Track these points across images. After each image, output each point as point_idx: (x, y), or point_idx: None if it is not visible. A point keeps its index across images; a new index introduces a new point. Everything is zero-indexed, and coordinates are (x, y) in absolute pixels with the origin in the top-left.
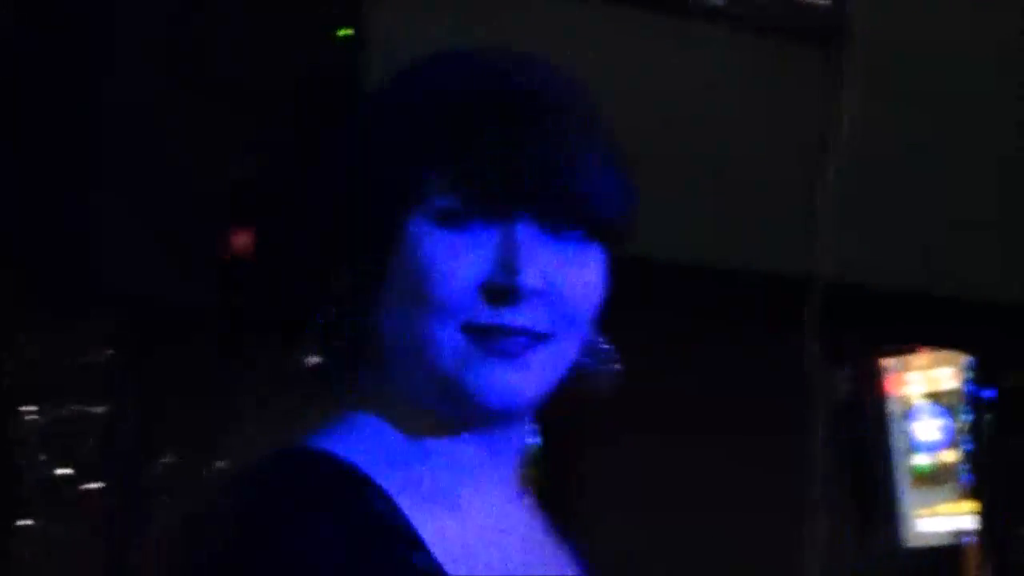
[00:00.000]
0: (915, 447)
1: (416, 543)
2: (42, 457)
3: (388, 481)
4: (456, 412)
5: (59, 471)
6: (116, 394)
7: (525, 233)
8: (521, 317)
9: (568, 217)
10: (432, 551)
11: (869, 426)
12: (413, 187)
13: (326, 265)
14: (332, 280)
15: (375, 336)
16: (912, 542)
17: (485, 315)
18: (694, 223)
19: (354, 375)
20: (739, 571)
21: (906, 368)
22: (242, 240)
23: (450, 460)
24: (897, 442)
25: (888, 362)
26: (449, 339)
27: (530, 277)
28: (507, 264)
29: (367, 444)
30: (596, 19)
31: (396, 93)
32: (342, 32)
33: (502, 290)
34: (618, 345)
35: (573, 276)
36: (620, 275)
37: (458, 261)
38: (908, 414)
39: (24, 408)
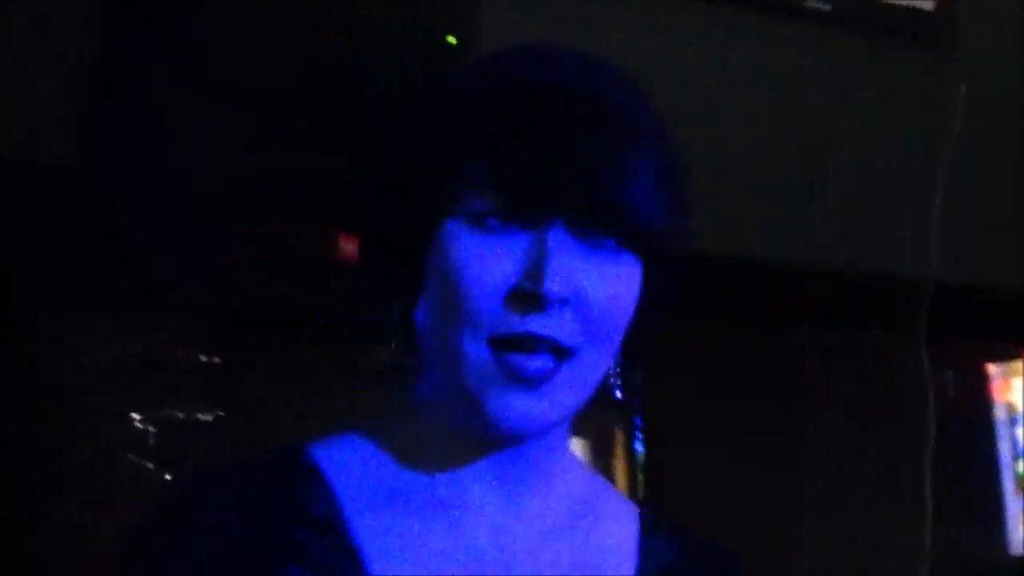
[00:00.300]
0: (1021, 454)
1: (349, 550)
2: (149, 464)
3: (353, 490)
4: (470, 430)
5: (167, 476)
6: (222, 398)
7: (556, 240)
8: (547, 327)
9: (601, 226)
10: (368, 559)
11: (974, 433)
12: (451, 184)
13: (375, 263)
14: (380, 279)
15: (416, 339)
16: (1018, 549)
17: (511, 324)
18: (803, 226)
19: (404, 378)
20: None
21: (1012, 374)
22: (342, 240)
23: (447, 476)
24: (1003, 449)
25: (994, 368)
26: (476, 353)
27: (556, 284)
28: (535, 271)
29: (354, 453)
30: (699, 22)
31: (449, 88)
32: (449, 39)
33: (528, 297)
34: (729, 345)
35: (602, 287)
36: (730, 276)
37: (488, 266)
38: (1014, 420)
39: (130, 414)
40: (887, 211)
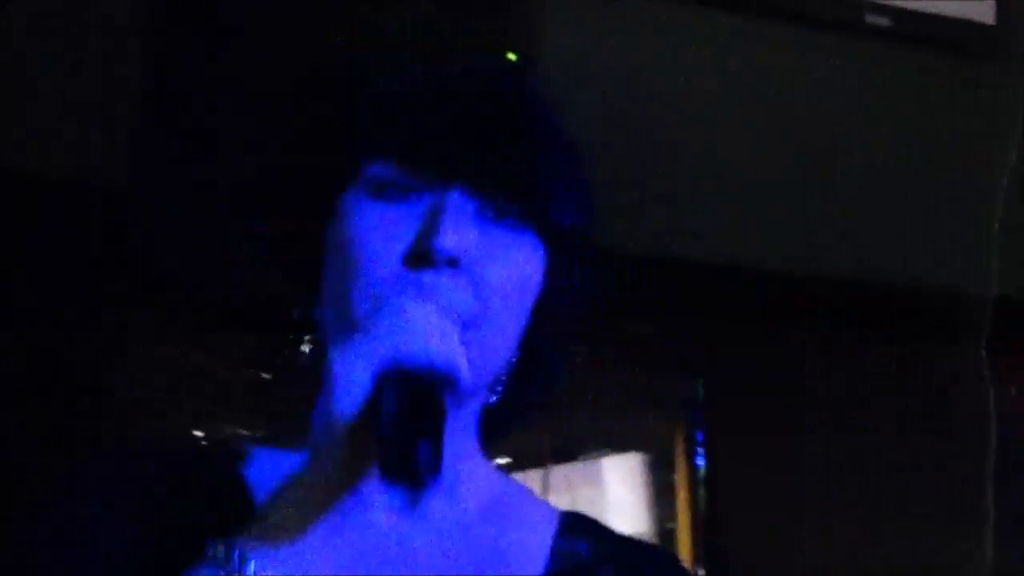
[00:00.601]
0: None
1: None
2: None
3: (262, 492)
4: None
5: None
6: (276, 415)
7: (453, 202)
8: (437, 286)
9: (499, 194)
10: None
11: None
12: (349, 157)
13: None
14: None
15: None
16: None
17: (404, 289)
18: (865, 240)
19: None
20: None
21: None
22: None
23: (344, 476)
24: None
25: None
26: (368, 301)
27: (448, 242)
28: (427, 230)
29: (275, 458)
30: (759, 37)
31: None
32: (511, 56)
33: (419, 257)
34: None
35: (498, 258)
36: (793, 288)
37: (383, 232)
38: None
39: (193, 432)
40: (948, 224)
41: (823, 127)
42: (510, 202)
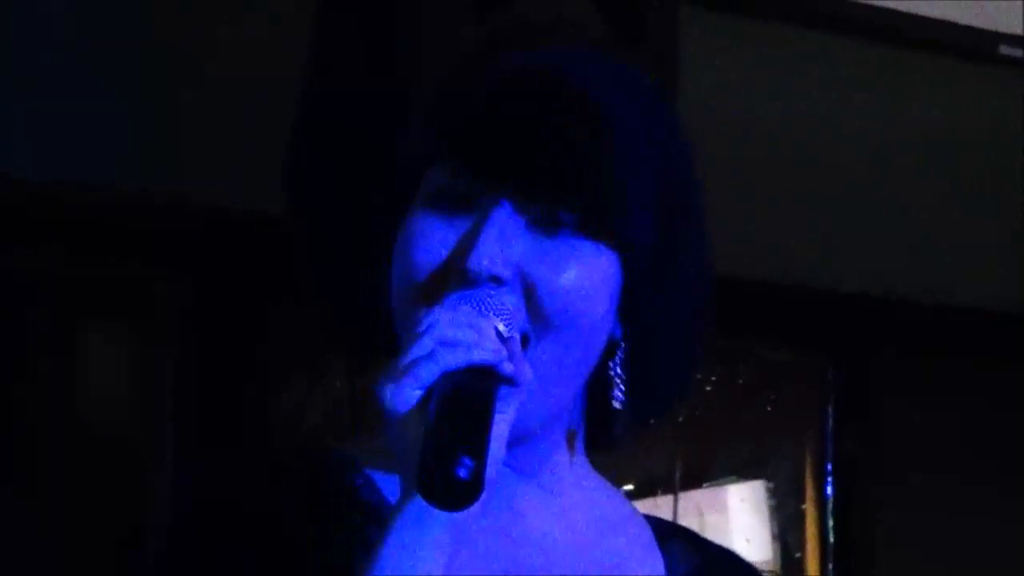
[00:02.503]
0: None
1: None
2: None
3: (389, 481)
4: None
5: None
6: None
7: (501, 216)
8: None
9: (553, 203)
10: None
11: None
12: (419, 173)
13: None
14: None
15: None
16: None
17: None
18: (1000, 269)
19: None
20: None
21: None
22: None
23: None
24: None
25: None
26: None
27: (486, 259)
28: (465, 246)
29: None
30: (894, 66)
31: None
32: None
33: (456, 273)
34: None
35: (553, 272)
36: (936, 318)
37: (432, 238)
38: None
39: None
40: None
41: (955, 157)
42: (568, 212)
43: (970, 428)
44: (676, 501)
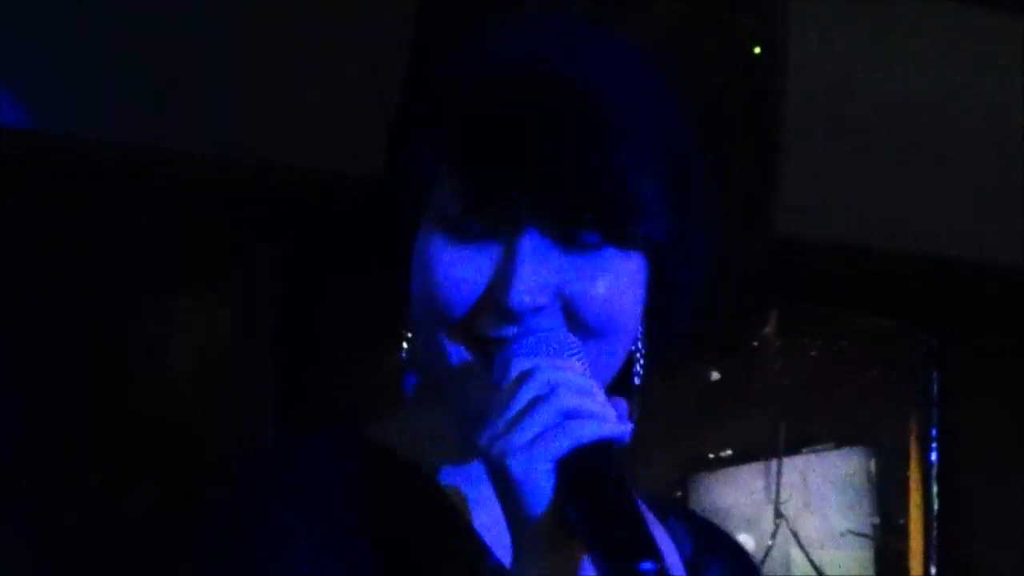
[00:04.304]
0: None
1: (463, 529)
2: None
3: (435, 470)
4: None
5: None
6: None
7: (527, 244)
8: (529, 329)
9: (578, 225)
10: (480, 535)
11: None
12: (431, 192)
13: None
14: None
15: (406, 339)
16: None
17: (491, 329)
18: None
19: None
20: None
21: None
22: None
23: (473, 456)
24: None
25: None
26: (456, 350)
27: (523, 294)
28: (502, 282)
29: (418, 434)
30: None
31: (431, 79)
32: (755, 48)
33: (498, 308)
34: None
35: (586, 286)
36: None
37: (461, 270)
38: None
39: None
40: None
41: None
42: (589, 227)
43: None
44: (780, 467)
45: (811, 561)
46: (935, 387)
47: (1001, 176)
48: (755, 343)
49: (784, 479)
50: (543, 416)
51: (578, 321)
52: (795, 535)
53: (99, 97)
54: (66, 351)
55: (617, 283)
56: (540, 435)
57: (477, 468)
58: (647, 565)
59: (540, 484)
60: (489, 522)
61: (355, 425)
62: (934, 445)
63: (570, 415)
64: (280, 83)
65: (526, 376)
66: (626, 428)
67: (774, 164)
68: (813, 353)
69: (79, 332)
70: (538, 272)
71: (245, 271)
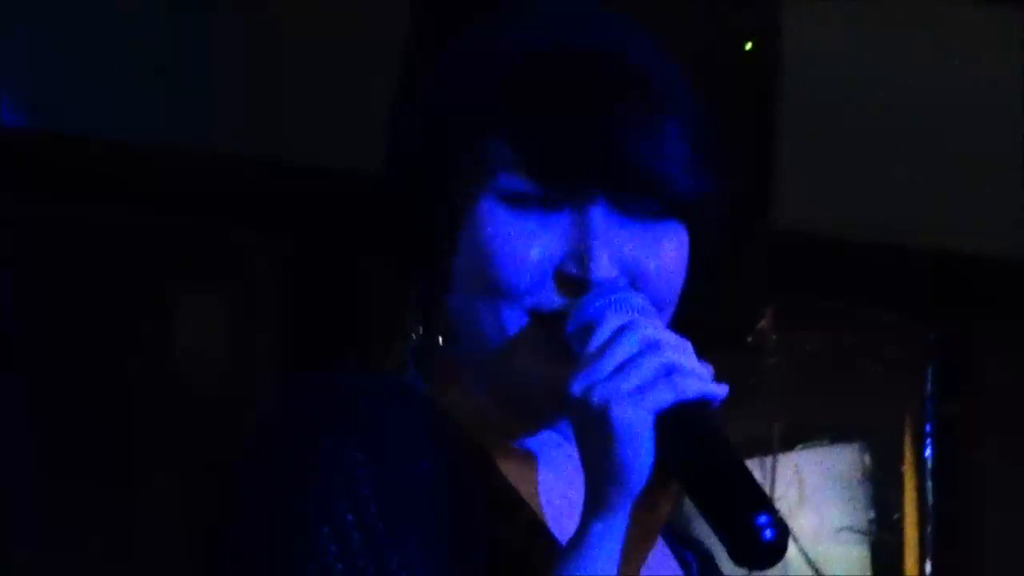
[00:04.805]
0: None
1: (516, 502)
2: None
3: (485, 442)
4: (521, 393)
5: None
6: None
7: (598, 217)
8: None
9: (644, 197)
10: (534, 509)
11: None
12: (480, 165)
13: (406, 232)
14: (412, 250)
15: (447, 311)
16: None
17: (555, 302)
18: None
19: (436, 345)
20: None
21: None
22: None
23: (532, 429)
24: None
25: None
26: (515, 322)
27: (603, 267)
28: (580, 255)
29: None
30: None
31: (465, 55)
32: (750, 43)
33: (575, 281)
34: None
35: (651, 258)
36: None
37: (527, 244)
38: None
39: None
40: None
41: None
42: (653, 198)
43: None
44: (775, 463)
45: (807, 557)
46: (930, 382)
47: (998, 168)
48: (750, 338)
49: (779, 475)
50: (648, 368)
51: (640, 290)
52: (791, 531)
53: (101, 96)
54: (78, 350)
55: (677, 254)
56: (644, 386)
57: (524, 443)
58: (763, 518)
59: (643, 434)
60: (542, 497)
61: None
62: (929, 440)
63: (673, 370)
64: (280, 77)
65: (625, 329)
66: (724, 388)
67: (769, 157)
68: (808, 348)
69: (87, 331)
70: (611, 243)
71: (255, 266)
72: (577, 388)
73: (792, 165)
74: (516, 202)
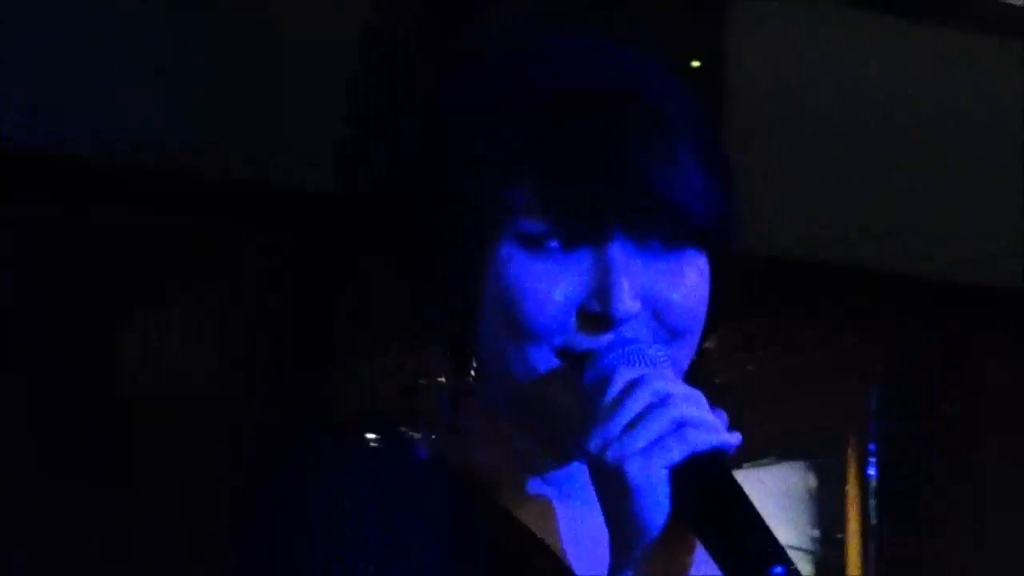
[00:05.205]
0: None
1: (539, 547)
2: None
3: (503, 485)
4: (553, 430)
5: None
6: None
7: (619, 253)
8: (621, 342)
9: (663, 230)
10: (556, 553)
11: None
12: (499, 209)
13: (422, 276)
14: (430, 294)
15: (473, 354)
16: None
17: (582, 341)
18: None
19: (461, 386)
20: None
21: None
22: None
23: (561, 466)
24: None
25: None
26: (544, 363)
27: (626, 302)
28: (601, 292)
29: (479, 449)
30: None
31: (476, 91)
32: (695, 63)
33: (598, 318)
34: None
35: (672, 289)
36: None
37: (550, 286)
38: None
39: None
40: None
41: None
42: (670, 230)
43: (1011, 413)
44: None
45: None
46: (873, 402)
47: (938, 189)
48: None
49: None
50: (659, 423)
51: (665, 324)
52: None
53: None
54: (70, 350)
55: (699, 281)
56: (656, 441)
57: (548, 482)
58: (779, 569)
59: (658, 489)
60: (565, 539)
61: (391, 429)
62: (872, 460)
63: (684, 423)
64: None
65: (636, 384)
66: (735, 438)
67: None
68: (750, 368)
69: (77, 331)
70: (632, 277)
71: (249, 267)
72: (593, 445)
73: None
74: (536, 243)
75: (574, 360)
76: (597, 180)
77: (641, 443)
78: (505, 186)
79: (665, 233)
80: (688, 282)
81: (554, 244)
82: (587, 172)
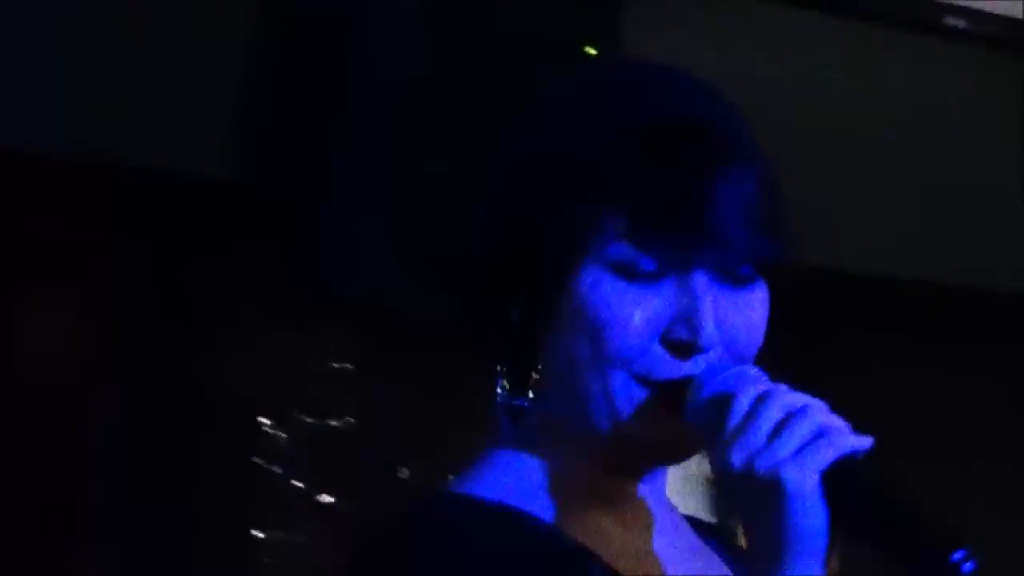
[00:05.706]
0: None
1: (588, 554)
2: (278, 469)
3: (543, 509)
4: (624, 455)
5: (296, 482)
6: (358, 406)
7: (701, 283)
8: (700, 369)
9: (742, 263)
10: (605, 558)
11: None
12: (591, 235)
13: (500, 295)
14: (505, 311)
15: (542, 373)
16: None
17: (665, 369)
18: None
19: (521, 407)
20: None
21: None
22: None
23: (606, 488)
24: None
25: None
26: (624, 389)
27: (711, 332)
28: (688, 320)
29: (514, 478)
30: (837, 36)
31: (566, 122)
32: (588, 49)
33: (685, 345)
34: None
35: (742, 319)
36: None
37: (635, 312)
38: None
39: (263, 419)
40: None
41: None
42: (749, 264)
43: (963, 411)
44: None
45: None
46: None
47: (899, 187)
48: None
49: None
50: (802, 431)
51: (732, 352)
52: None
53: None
54: None
55: (763, 312)
56: (804, 447)
57: (616, 504)
58: (960, 554)
59: (814, 494)
60: (638, 562)
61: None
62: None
63: (824, 430)
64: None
65: (767, 396)
66: (869, 440)
67: None
68: None
69: None
70: (715, 310)
71: (99, 269)
72: (737, 459)
73: None
74: (624, 270)
75: (656, 387)
76: (690, 216)
77: (791, 450)
78: (600, 214)
79: (741, 264)
80: (755, 313)
81: (642, 272)
82: (680, 208)
